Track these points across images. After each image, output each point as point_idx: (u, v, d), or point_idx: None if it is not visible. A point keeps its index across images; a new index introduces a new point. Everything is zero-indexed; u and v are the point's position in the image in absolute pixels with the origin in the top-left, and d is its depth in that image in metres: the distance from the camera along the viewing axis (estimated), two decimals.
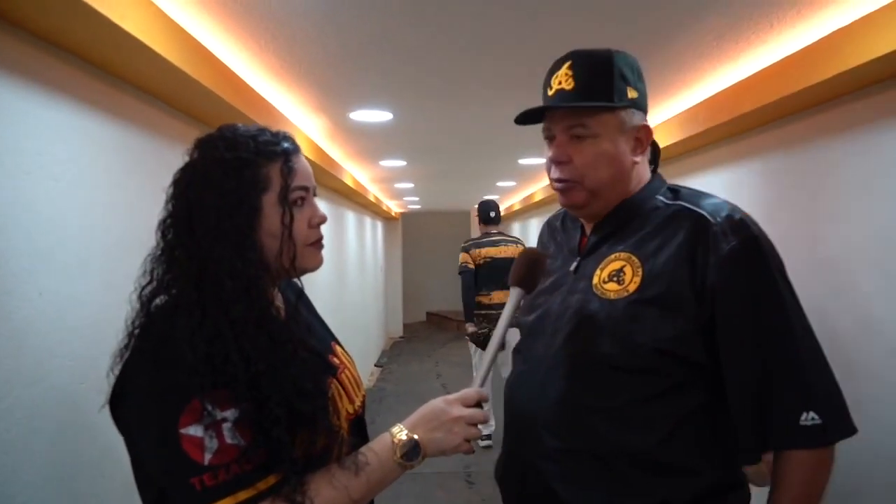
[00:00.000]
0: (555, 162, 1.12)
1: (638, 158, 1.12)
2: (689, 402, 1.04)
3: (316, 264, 1.00)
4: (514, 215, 8.86)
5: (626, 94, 1.09)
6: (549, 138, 1.14)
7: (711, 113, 2.50)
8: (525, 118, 1.15)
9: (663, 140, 2.98)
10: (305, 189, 0.96)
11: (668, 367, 1.03)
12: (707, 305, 1.01)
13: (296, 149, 0.97)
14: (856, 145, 1.91)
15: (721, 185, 2.79)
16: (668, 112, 2.89)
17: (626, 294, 1.06)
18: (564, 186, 1.12)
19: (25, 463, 1.17)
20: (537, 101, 1.17)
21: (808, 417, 0.98)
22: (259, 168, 0.91)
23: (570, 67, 1.09)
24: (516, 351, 1.25)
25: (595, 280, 1.11)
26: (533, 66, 2.22)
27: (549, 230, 1.35)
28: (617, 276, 1.09)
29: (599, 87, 1.07)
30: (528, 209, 7.49)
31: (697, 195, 1.12)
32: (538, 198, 6.32)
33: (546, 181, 5.66)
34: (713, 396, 1.05)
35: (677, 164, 3.27)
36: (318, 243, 0.99)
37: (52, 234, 1.30)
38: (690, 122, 2.69)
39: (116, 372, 0.88)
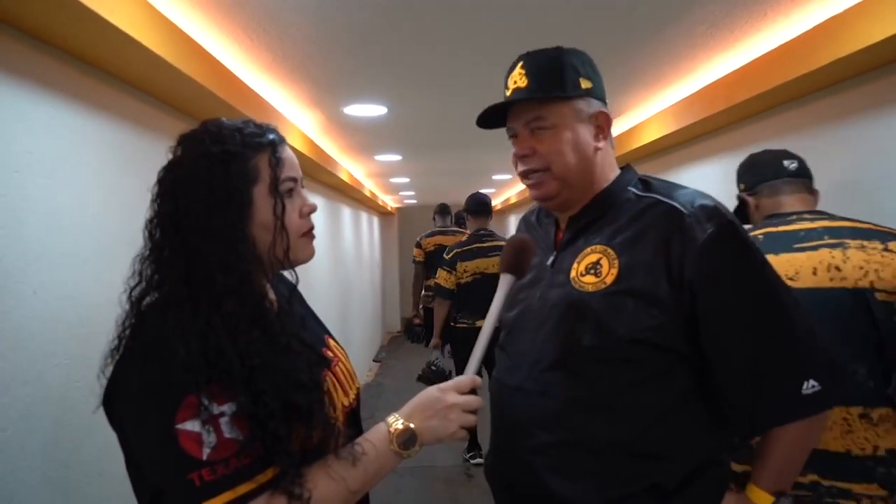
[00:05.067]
0: (519, 156, 1.16)
1: (601, 144, 1.15)
2: (673, 389, 1.06)
3: (308, 255, 1.00)
4: (511, 208, 8.86)
5: (580, 85, 1.12)
6: (513, 136, 1.18)
7: (706, 103, 2.50)
8: (488, 122, 1.20)
9: (658, 131, 2.98)
10: (294, 179, 0.96)
11: (648, 356, 1.05)
12: (686, 295, 1.02)
13: (281, 139, 0.97)
14: (851, 133, 1.91)
15: (716, 175, 2.79)
16: (662, 103, 2.89)
17: (603, 286, 1.07)
18: (534, 179, 1.15)
19: (22, 462, 1.17)
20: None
21: (809, 386, 1.02)
22: (247, 160, 0.90)
23: (522, 67, 1.14)
24: (500, 348, 1.25)
25: (573, 273, 1.12)
26: None
27: (525, 226, 1.37)
28: (594, 268, 1.10)
29: (551, 81, 1.11)
30: (525, 202, 7.49)
31: (669, 186, 1.14)
32: None
33: None
34: (695, 382, 1.07)
35: (673, 155, 3.27)
36: (309, 233, 0.99)
37: (45, 231, 1.29)
38: (685, 113, 2.69)
39: (108, 373, 0.88)
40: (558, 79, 1.11)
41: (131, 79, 1.67)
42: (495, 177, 6.40)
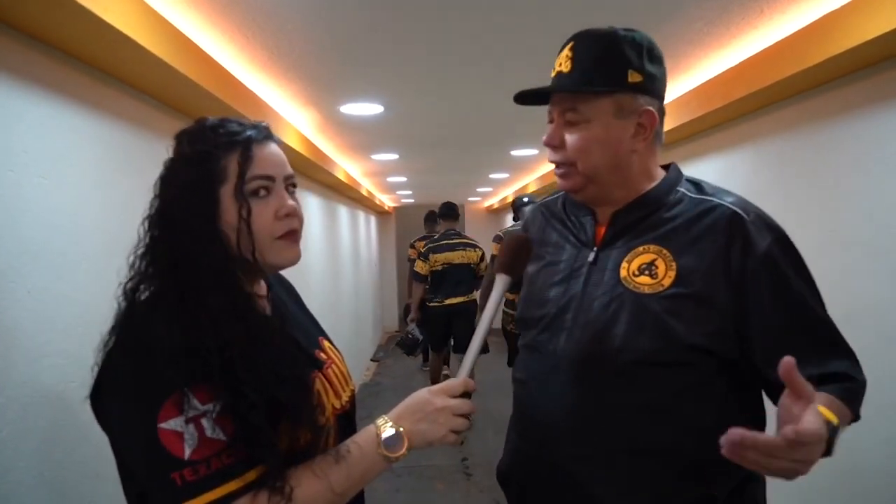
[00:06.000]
0: (548, 145, 1.11)
1: (638, 146, 1.08)
2: (718, 393, 1.04)
3: (287, 258, 0.95)
4: (509, 207, 8.85)
5: (627, 78, 1.04)
6: (550, 121, 1.12)
7: (703, 100, 2.49)
8: (527, 99, 1.12)
9: None
10: (269, 178, 0.92)
11: (701, 360, 1.02)
12: (742, 299, 1.00)
13: (263, 137, 0.94)
14: (847, 129, 1.91)
15: (713, 171, 2.80)
16: None
17: (661, 288, 1.03)
18: (561, 170, 1.11)
19: (17, 462, 1.16)
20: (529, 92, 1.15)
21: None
22: (217, 160, 0.89)
23: (570, 49, 1.07)
24: (528, 347, 1.18)
25: (623, 273, 1.07)
26: (522, 57, 2.21)
27: (543, 215, 1.29)
28: (648, 269, 1.05)
29: (597, 71, 1.04)
30: None
31: (719, 190, 1.10)
32: (531, 189, 6.31)
33: (539, 172, 5.67)
34: (735, 388, 1.05)
35: (670, 153, 3.27)
36: (288, 236, 0.94)
37: (40, 231, 1.28)
38: (682, 110, 2.69)
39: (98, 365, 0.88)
40: (604, 69, 1.04)
41: (127, 77, 1.67)
42: (492, 175, 6.39)
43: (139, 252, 0.91)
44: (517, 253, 1.09)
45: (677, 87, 2.65)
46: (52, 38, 1.33)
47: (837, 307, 1.91)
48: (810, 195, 2.10)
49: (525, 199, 4.50)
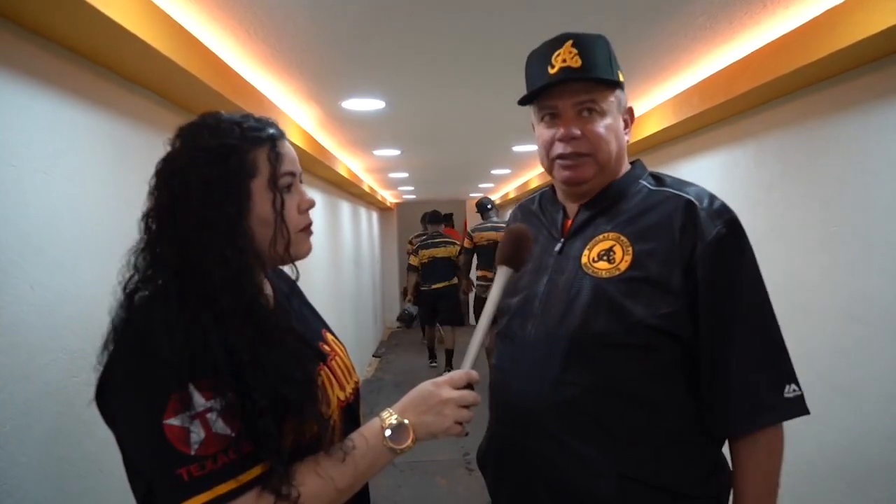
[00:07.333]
0: (565, 138, 1.13)
1: (628, 137, 1.19)
2: (680, 378, 1.08)
3: (306, 251, 0.99)
4: (510, 203, 8.84)
5: (619, 77, 1.14)
6: (552, 115, 1.15)
7: (706, 95, 2.49)
8: (529, 96, 1.17)
9: (657, 124, 2.97)
10: (293, 174, 0.95)
11: (660, 343, 1.05)
12: (692, 284, 1.05)
13: (281, 134, 0.97)
14: (851, 125, 1.90)
15: (716, 167, 2.79)
16: (661, 96, 2.88)
17: (617, 272, 1.08)
18: (575, 161, 1.14)
19: (20, 458, 1.17)
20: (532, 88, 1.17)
21: (791, 390, 1.05)
22: (246, 154, 0.90)
23: (573, 46, 1.11)
24: (501, 335, 1.24)
25: (584, 259, 1.13)
26: (526, 53, 2.20)
27: (522, 214, 1.36)
28: (607, 255, 1.11)
29: (603, 67, 1.11)
30: (524, 197, 7.48)
31: (680, 182, 1.17)
32: (533, 185, 6.31)
33: (541, 168, 5.66)
34: (698, 372, 1.09)
35: (672, 148, 3.26)
36: (307, 229, 0.98)
37: (42, 227, 1.28)
38: (684, 106, 2.68)
39: (101, 366, 0.87)
40: (608, 66, 1.12)
41: (128, 72, 1.66)
42: (494, 171, 6.38)
43: (140, 248, 0.90)
44: (519, 244, 1.10)
45: (679, 82, 2.65)
46: (54, 34, 1.33)
47: (840, 303, 1.92)
48: (813, 190, 2.10)
49: (488, 206, 5.94)
